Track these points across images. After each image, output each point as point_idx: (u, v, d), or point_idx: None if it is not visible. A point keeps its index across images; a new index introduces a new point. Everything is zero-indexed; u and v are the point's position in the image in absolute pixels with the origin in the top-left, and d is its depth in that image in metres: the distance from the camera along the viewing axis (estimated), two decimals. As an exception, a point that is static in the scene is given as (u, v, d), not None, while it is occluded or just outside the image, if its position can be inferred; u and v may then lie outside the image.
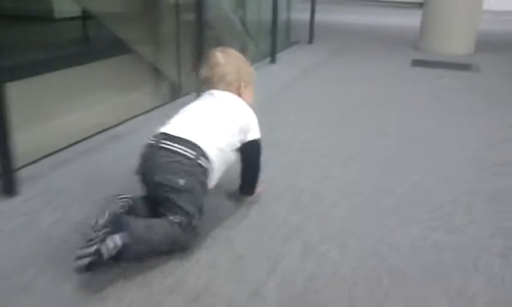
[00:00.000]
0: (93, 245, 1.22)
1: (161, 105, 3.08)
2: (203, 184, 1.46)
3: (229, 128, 1.57)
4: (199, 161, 1.43)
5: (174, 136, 1.46)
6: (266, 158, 2.03)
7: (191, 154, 1.42)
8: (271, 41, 4.60)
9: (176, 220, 1.37)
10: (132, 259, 1.34)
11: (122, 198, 1.40)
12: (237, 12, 4.38)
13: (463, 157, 2.31)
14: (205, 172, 1.46)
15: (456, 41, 5.41)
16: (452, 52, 5.34)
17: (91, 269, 1.24)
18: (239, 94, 1.70)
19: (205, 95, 1.69)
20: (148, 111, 2.92)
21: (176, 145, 1.43)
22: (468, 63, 4.88)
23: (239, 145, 1.61)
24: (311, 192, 1.87)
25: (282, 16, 5.51)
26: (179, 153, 1.42)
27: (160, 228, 1.36)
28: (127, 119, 2.73)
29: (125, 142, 2.37)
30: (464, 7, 5.33)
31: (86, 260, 1.21)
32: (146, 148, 1.49)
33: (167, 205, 1.39)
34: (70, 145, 2.28)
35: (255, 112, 1.70)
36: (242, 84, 1.71)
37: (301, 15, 6.06)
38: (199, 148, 1.44)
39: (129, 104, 3.17)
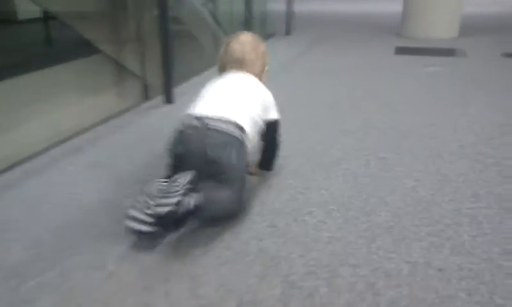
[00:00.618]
0: (174, 197, 1.28)
1: (128, 110, 2.80)
2: (246, 156, 1.57)
3: (255, 107, 1.65)
4: (242, 139, 1.53)
5: (217, 117, 1.53)
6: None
7: (236, 133, 1.52)
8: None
9: (234, 192, 1.47)
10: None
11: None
12: (207, 5, 4.08)
13: (460, 154, 2.07)
14: (246, 147, 1.56)
15: (439, 26, 5.21)
16: (436, 36, 5.14)
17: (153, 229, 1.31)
18: (260, 77, 1.79)
19: (224, 77, 1.74)
20: (113, 117, 2.64)
21: (223, 126, 1.51)
22: (453, 48, 4.68)
23: (262, 123, 1.69)
24: (291, 209, 1.61)
25: (257, 6, 5.24)
26: (227, 134, 1.50)
27: (224, 196, 1.45)
28: (89, 127, 2.45)
29: (87, 155, 2.09)
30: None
31: (166, 209, 1.26)
32: (194, 133, 1.51)
33: (222, 179, 1.45)
34: (16, 164, 2.00)
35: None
36: (266, 68, 1.85)
37: (277, 4, 5.80)
38: (240, 126, 1.53)
39: (93, 109, 2.89)
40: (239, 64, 1.75)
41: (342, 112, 2.68)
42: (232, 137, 1.50)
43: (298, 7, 6.14)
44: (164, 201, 1.28)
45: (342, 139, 2.25)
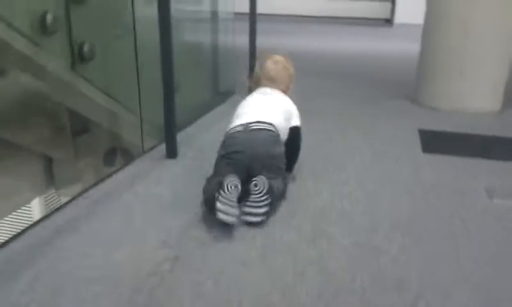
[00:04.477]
0: (261, 207, 1.73)
1: None
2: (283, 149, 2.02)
3: (279, 116, 2.04)
4: (278, 134, 1.98)
5: (259, 121, 1.95)
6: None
7: (275, 131, 1.96)
8: (164, 114, 2.42)
9: (282, 180, 1.92)
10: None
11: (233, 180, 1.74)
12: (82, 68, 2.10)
13: None
14: (281, 142, 2.02)
15: (478, 91, 3.45)
16: (472, 108, 3.41)
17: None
18: (286, 91, 2.23)
19: (259, 92, 2.18)
20: None
21: (264, 126, 1.94)
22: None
23: (285, 130, 2.07)
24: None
25: (204, 46, 3.41)
26: (269, 130, 1.94)
27: (281, 186, 1.90)
28: None
29: None
30: (493, 32, 3.32)
31: (258, 219, 1.72)
32: (240, 134, 1.94)
33: (272, 169, 1.87)
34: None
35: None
36: (291, 85, 2.30)
37: (238, 37, 3.93)
38: (275, 126, 1.97)
39: None
40: (272, 81, 2.19)
41: None
42: (272, 133, 1.93)
43: (262, 40, 4.16)
44: (254, 211, 1.72)
45: None
